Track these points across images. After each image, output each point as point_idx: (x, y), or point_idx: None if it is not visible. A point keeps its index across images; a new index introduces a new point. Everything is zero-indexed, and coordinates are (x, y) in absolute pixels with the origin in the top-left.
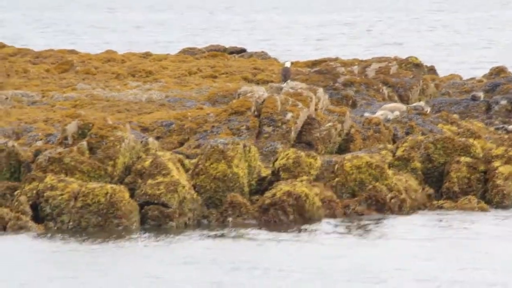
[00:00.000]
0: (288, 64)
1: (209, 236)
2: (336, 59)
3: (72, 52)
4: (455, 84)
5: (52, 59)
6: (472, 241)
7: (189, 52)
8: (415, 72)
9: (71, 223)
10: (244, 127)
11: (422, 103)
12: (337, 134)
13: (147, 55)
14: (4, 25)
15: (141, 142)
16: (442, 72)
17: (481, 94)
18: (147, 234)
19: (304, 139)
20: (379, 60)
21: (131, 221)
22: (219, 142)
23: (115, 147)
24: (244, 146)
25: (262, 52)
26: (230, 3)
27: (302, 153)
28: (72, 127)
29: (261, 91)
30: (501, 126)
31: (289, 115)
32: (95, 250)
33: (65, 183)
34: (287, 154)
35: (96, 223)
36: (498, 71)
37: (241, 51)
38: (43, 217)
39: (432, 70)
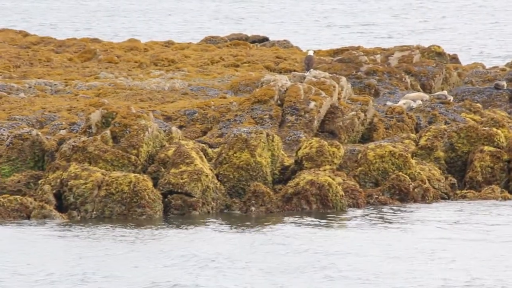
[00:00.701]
0: (311, 53)
1: (232, 225)
2: (358, 48)
3: (95, 40)
4: (478, 73)
5: (74, 47)
6: (494, 230)
7: (211, 41)
8: (437, 61)
9: (94, 212)
10: (267, 116)
11: (445, 92)
12: (360, 123)
13: (169, 43)
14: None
15: (165, 131)
16: (464, 61)
17: (504, 83)
18: (170, 223)
19: (327, 128)
20: (402, 48)
21: (155, 210)
22: (242, 131)
23: (138, 136)
24: (267, 135)
25: (285, 40)
26: None
27: (325, 142)
28: (96, 116)
29: (284, 80)
30: None
31: (312, 104)
32: (118, 239)
33: (89, 172)
34: (310, 143)
35: (119, 212)
36: None
37: (264, 39)
38: (67, 206)
39: (454, 58)
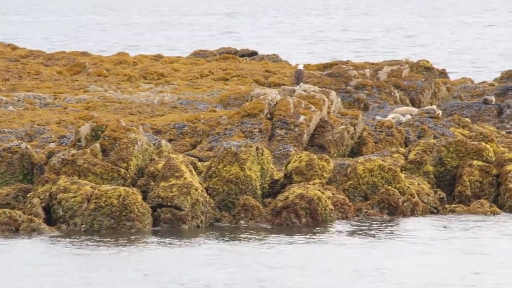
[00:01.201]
0: (301, 67)
1: (221, 239)
2: (347, 62)
3: (84, 54)
4: (467, 88)
5: (64, 61)
6: (483, 246)
7: (200, 54)
8: (426, 76)
9: (83, 225)
10: (257, 129)
11: (434, 107)
12: (349, 137)
13: (158, 57)
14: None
15: (154, 144)
16: (452, 75)
17: (493, 98)
18: (159, 237)
19: (316, 142)
20: (391, 63)
21: (144, 223)
22: (232, 145)
23: (128, 149)
24: (257, 148)
25: (274, 55)
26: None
27: (315, 156)
28: (85, 129)
29: (274, 94)
30: None
31: (302, 118)
32: (107, 253)
33: (78, 185)
34: (300, 157)
35: (108, 226)
36: (510, 75)
37: (253, 54)
38: (56, 220)
39: (443, 73)
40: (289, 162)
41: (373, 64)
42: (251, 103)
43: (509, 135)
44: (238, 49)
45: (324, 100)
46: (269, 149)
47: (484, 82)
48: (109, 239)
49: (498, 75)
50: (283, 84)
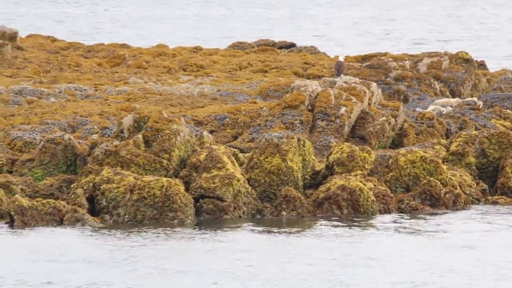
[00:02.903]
0: (341, 58)
1: (264, 230)
2: (385, 54)
3: (124, 46)
4: (507, 79)
5: (103, 53)
6: None
7: (239, 46)
8: (466, 67)
9: (126, 216)
10: (298, 121)
11: (474, 98)
12: (390, 128)
13: (197, 49)
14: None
15: (196, 135)
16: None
17: None
18: (202, 228)
19: (357, 133)
20: (430, 55)
21: (186, 214)
22: (273, 136)
23: (170, 140)
24: (299, 140)
25: (312, 46)
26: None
27: (356, 148)
28: (128, 120)
29: (314, 85)
30: None
31: (343, 110)
32: (151, 243)
33: (121, 176)
34: (341, 148)
35: (151, 216)
36: None
37: (291, 45)
38: (99, 210)
39: (482, 65)
40: (330, 154)
41: (412, 56)
42: (292, 95)
43: None
44: (276, 41)
45: (365, 92)
46: (310, 140)
47: None
48: (152, 230)
49: None
50: (322, 76)
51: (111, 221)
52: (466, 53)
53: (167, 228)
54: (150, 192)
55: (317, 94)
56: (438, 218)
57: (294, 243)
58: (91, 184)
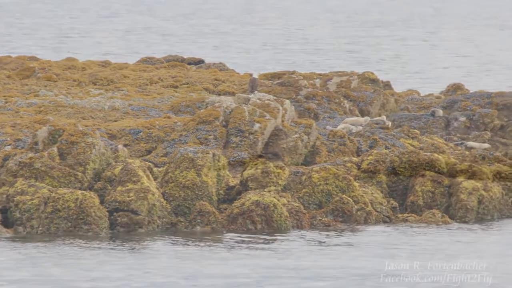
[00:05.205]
0: (255, 75)
1: (177, 244)
2: (293, 72)
3: (32, 58)
4: (414, 100)
5: (12, 65)
6: (433, 253)
7: (148, 61)
8: (374, 87)
9: (40, 228)
10: (212, 136)
11: (383, 117)
12: (303, 145)
13: (106, 63)
14: None
15: (111, 149)
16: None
17: (441, 111)
18: (115, 241)
19: (271, 149)
20: (339, 74)
21: (101, 227)
22: (189, 151)
23: (85, 153)
24: (214, 155)
25: (220, 63)
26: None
27: (271, 164)
28: (42, 132)
29: (229, 101)
30: (460, 142)
31: (256, 126)
32: (63, 255)
33: (35, 188)
34: (255, 164)
35: (65, 229)
36: (455, 88)
37: (199, 61)
38: (13, 222)
39: (387, 85)
40: (245, 169)
41: (321, 74)
42: (206, 110)
43: (457, 147)
44: (185, 57)
45: (278, 109)
46: (224, 156)
47: (431, 94)
48: (65, 242)
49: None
50: (233, 92)
51: (25, 233)
52: (372, 73)
53: (80, 241)
54: (65, 204)
55: (231, 110)
56: (348, 233)
57: (207, 256)
58: (4, 196)
